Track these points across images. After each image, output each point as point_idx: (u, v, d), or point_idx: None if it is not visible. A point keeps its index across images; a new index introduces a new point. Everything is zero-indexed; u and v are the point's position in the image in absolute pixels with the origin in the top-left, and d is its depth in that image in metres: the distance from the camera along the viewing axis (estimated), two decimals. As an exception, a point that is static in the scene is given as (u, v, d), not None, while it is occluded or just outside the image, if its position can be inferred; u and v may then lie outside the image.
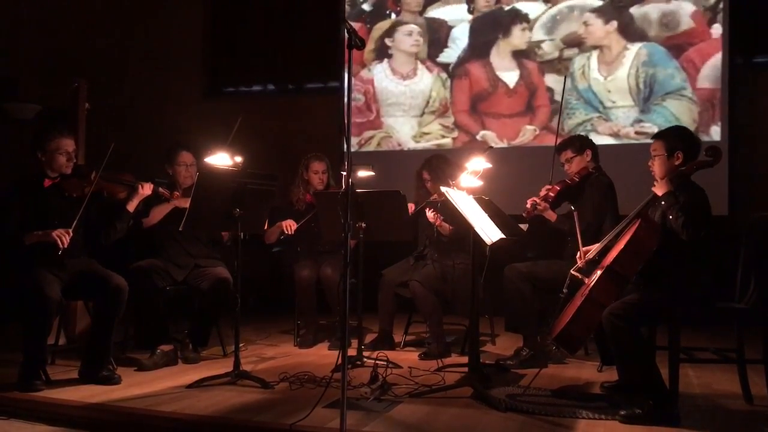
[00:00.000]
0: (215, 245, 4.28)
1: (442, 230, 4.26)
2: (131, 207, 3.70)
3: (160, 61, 7.52)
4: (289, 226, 4.53)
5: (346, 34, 2.69)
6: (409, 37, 6.64)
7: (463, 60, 6.47)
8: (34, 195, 3.54)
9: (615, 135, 5.96)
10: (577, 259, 3.32)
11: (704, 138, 5.58)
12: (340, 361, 2.58)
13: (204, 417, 2.86)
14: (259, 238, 4.52)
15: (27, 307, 3.28)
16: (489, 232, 3.30)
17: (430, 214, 4.21)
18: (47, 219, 3.47)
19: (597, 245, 3.32)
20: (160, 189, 3.87)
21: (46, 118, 6.17)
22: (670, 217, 2.94)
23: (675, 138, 3.12)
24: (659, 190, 3.04)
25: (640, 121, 5.91)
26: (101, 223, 3.68)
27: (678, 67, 5.86)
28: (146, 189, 3.74)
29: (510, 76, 6.32)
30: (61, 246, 3.31)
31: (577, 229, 3.41)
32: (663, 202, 3.00)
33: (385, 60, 6.69)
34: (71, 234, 3.35)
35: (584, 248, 3.36)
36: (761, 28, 5.84)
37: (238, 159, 3.78)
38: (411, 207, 4.22)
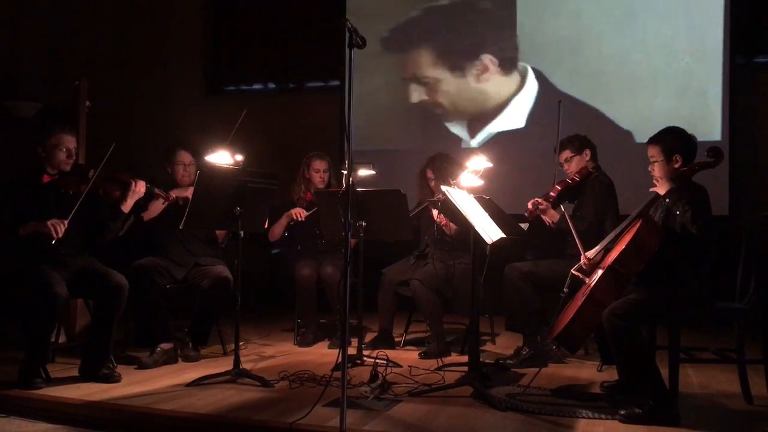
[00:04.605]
0: (211, 244, 4.28)
1: (448, 230, 4.26)
2: (126, 207, 3.67)
3: (161, 60, 7.53)
4: (299, 213, 4.52)
5: (346, 33, 2.68)
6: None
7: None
8: (32, 189, 3.54)
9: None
10: (582, 264, 3.31)
11: (705, 138, 5.58)
12: (340, 359, 2.58)
13: (204, 415, 2.86)
14: (259, 237, 4.52)
15: (34, 305, 3.28)
16: (489, 231, 3.30)
17: (436, 213, 4.20)
18: (44, 214, 3.47)
19: (599, 247, 3.32)
20: (156, 190, 3.85)
21: (47, 116, 6.17)
22: (678, 212, 2.91)
23: (670, 141, 3.08)
24: (661, 189, 3.02)
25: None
26: (97, 222, 3.67)
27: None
28: (140, 186, 3.69)
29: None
30: (54, 236, 3.29)
31: (574, 233, 3.42)
32: (667, 200, 2.98)
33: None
34: (66, 225, 3.33)
35: (588, 252, 3.34)
36: (762, 28, 5.84)
37: (239, 157, 3.78)
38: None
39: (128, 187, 3.66)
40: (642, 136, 5.63)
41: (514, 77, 6.35)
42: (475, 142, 6.39)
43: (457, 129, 6.50)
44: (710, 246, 2.98)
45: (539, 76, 6.27)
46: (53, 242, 3.30)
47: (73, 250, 3.58)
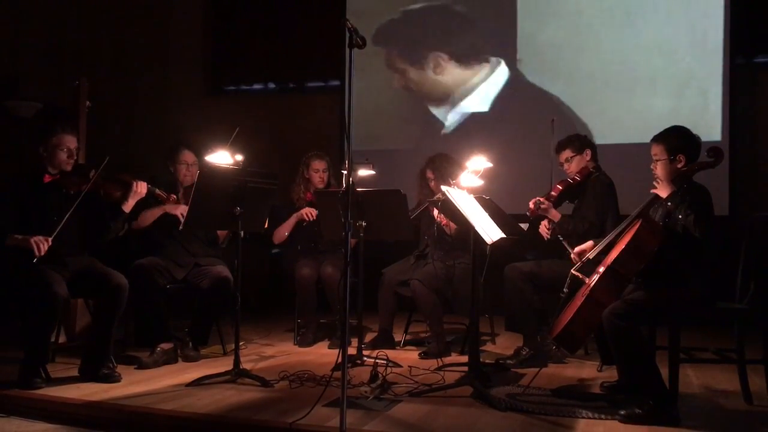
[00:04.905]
0: (211, 244, 4.28)
1: (448, 230, 4.26)
2: (127, 207, 3.67)
3: (162, 60, 7.53)
4: (310, 212, 4.52)
5: (347, 33, 2.68)
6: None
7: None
8: (33, 189, 3.54)
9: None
10: (573, 261, 3.33)
11: (705, 138, 5.56)
12: (340, 359, 2.58)
13: (204, 415, 2.86)
14: (260, 237, 4.51)
15: (34, 304, 3.27)
16: (489, 231, 3.30)
17: (436, 213, 4.20)
18: (45, 213, 3.47)
19: (590, 243, 3.33)
20: (157, 191, 3.85)
21: (48, 116, 6.17)
22: (680, 216, 2.91)
23: (675, 140, 3.08)
24: (662, 191, 3.01)
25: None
26: (98, 222, 3.67)
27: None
28: (141, 187, 3.70)
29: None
30: (37, 253, 3.26)
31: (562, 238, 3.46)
32: (669, 203, 2.97)
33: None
34: (50, 243, 3.32)
35: (577, 248, 3.38)
36: (762, 28, 5.85)
37: (239, 157, 3.78)
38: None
39: (129, 188, 3.66)
40: (641, 136, 5.64)
41: (483, 70, 6.49)
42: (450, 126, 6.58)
43: (438, 112, 6.64)
44: (711, 246, 2.97)
45: (535, 75, 6.28)
46: (34, 260, 3.26)
47: (73, 250, 3.58)
